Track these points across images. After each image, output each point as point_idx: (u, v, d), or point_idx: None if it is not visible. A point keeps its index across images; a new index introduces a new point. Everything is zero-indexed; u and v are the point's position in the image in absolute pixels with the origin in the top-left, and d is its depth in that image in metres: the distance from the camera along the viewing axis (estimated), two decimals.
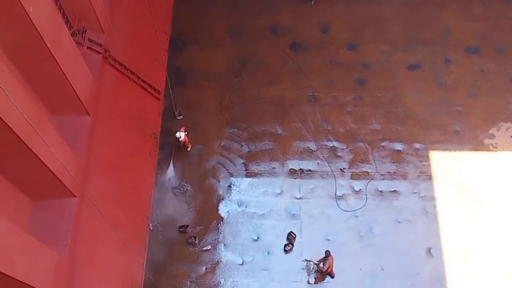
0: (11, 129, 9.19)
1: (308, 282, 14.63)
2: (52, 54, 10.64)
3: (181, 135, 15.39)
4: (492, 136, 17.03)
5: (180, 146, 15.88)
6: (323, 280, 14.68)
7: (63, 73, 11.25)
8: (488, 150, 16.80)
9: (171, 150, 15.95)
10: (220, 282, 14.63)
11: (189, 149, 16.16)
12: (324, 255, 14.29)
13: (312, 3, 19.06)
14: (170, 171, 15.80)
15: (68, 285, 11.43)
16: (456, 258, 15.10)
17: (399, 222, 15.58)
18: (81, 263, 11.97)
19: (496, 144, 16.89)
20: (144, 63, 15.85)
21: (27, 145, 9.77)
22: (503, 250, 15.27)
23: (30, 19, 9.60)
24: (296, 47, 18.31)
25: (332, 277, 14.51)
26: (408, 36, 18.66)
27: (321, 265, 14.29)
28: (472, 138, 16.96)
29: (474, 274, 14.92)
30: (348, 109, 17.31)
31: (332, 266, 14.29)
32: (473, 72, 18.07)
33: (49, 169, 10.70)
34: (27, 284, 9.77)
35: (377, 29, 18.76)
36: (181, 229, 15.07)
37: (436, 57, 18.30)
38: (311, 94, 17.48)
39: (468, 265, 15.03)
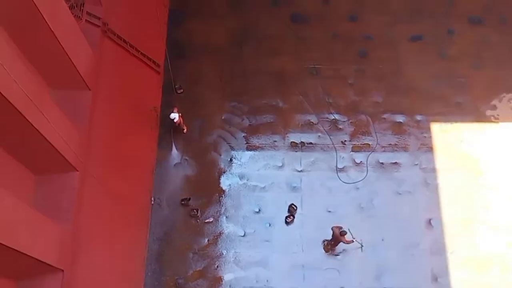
0: (11, 104, 9.19)
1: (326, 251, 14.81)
2: (50, 27, 10.54)
3: (175, 116, 15.25)
4: (494, 107, 16.97)
5: (175, 128, 15.82)
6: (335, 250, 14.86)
7: (62, 47, 11.16)
8: (490, 121, 16.77)
9: (171, 126, 15.94)
10: (223, 253, 14.83)
11: (185, 131, 16.05)
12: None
13: None
14: (174, 151, 15.79)
15: (73, 258, 11.60)
16: (456, 229, 15.25)
17: (400, 194, 15.68)
18: (85, 236, 12.12)
19: (498, 115, 16.84)
20: (143, 36, 15.72)
21: (27, 120, 9.78)
22: (503, 221, 15.39)
23: None
24: (297, 19, 18.11)
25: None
26: (410, 7, 18.42)
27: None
28: (474, 110, 16.91)
29: (475, 244, 15.08)
30: (349, 82, 17.22)
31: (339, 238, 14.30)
32: (476, 43, 17.89)
33: (50, 143, 10.73)
34: (32, 257, 9.92)
35: (378, 0, 18.50)
36: (183, 202, 15.20)
37: (439, 28, 18.09)
38: (312, 66, 17.37)
39: (469, 235, 15.18)
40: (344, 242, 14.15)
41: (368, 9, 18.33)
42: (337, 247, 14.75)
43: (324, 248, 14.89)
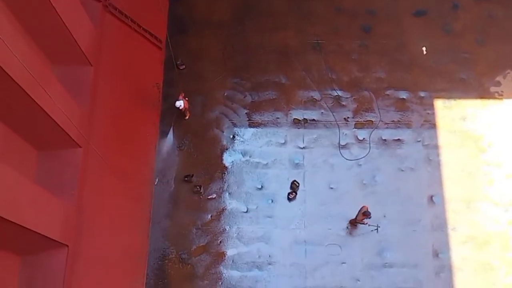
0: (13, 79, 9.14)
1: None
2: (51, 2, 10.43)
3: (181, 103, 15.08)
4: (498, 83, 16.85)
5: (180, 114, 15.72)
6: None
7: (63, 22, 11.05)
8: (494, 98, 16.67)
9: (174, 100, 15.87)
10: (225, 229, 14.95)
11: (187, 117, 15.93)
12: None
13: None
14: (169, 139, 15.74)
15: (77, 233, 11.69)
16: (458, 206, 15.31)
17: (402, 170, 15.70)
18: (89, 212, 12.19)
19: (502, 91, 16.74)
20: (145, 12, 15.54)
21: (29, 96, 9.74)
22: (505, 198, 15.43)
23: None
24: None
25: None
26: None
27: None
28: (477, 86, 16.80)
29: (476, 221, 15.17)
30: (353, 57, 17.08)
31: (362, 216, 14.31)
32: (481, 18, 17.66)
33: (53, 119, 10.71)
34: (37, 232, 10.00)
35: None
36: (186, 178, 15.25)
37: (443, 2, 17.85)
38: (316, 41, 17.20)
39: (470, 212, 15.25)
40: (358, 220, 14.24)
41: None
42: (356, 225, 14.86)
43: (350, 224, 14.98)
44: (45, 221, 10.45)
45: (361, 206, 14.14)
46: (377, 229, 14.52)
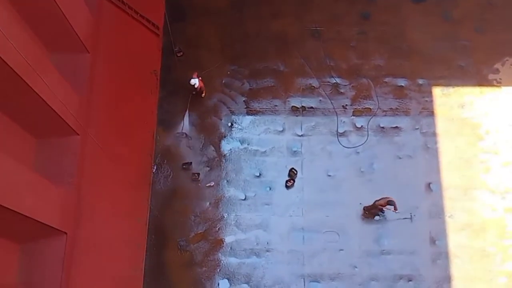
0: (11, 67, 9.13)
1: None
2: None
3: (196, 81, 15.10)
4: (497, 71, 16.82)
5: (197, 93, 15.71)
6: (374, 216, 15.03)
7: (60, 9, 11.00)
8: (492, 85, 16.64)
9: (172, 87, 15.85)
10: (224, 216, 15.01)
11: (203, 95, 15.93)
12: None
13: None
14: (186, 122, 15.73)
15: (76, 221, 11.76)
16: (455, 193, 15.36)
17: (400, 158, 15.73)
18: (87, 200, 12.25)
19: (500, 79, 16.71)
20: None
21: (27, 84, 9.74)
22: (502, 186, 15.50)
23: None
24: None
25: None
26: None
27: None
28: (476, 73, 16.76)
29: (473, 208, 15.24)
30: (351, 44, 17.01)
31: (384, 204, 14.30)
32: (481, 5, 17.57)
33: (50, 107, 10.72)
34: (36, 220, 10.06)
35: None
36: (184, 166, 15.27)
37: None
38: (314, 28, 17.12)
39: (467, 200, 15.31)
40: (381, 207, 14.28)
41: None
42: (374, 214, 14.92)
43: (362, 214, 15.01)
44: (44, 209, 10.50)
45: (382, 197, 14.19)
46: (411, 217, 14.70)
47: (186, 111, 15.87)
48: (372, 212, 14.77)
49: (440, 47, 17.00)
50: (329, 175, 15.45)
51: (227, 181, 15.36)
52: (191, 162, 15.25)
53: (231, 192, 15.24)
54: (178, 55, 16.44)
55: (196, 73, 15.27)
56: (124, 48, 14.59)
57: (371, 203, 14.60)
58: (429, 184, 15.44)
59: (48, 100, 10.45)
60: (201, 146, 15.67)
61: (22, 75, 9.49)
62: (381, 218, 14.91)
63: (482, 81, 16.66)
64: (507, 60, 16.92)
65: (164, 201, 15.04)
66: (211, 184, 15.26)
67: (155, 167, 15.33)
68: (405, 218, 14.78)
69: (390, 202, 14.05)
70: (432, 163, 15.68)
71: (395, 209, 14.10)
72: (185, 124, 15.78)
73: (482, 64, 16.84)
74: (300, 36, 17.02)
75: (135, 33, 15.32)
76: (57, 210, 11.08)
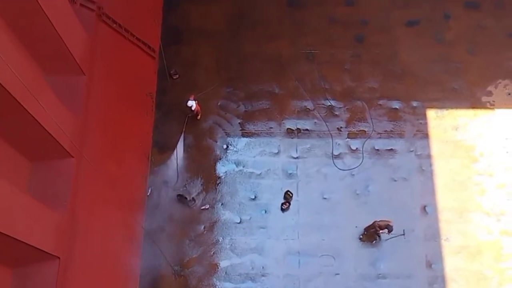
0: (6, 89, 9.06)
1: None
2: (44, 12, 10.37)
3: (193, 103, 15.12)
4: (490, 93, 16.98)
5: (193, 116, 15.73)
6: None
7: (57, 31, 10.99)
8: (485, 107, 16.78)
9: (167, 109, 15.81)
10: (219, 240, 14.85)
11: (199, 117, 15.94)
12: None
13: None
14: (181, 144, 15.66)
15: (69, 244, 11.56)
16: (451, 216, 15.35)
17: (395, 180, 15.72)
18: (81, 223, 12.07)
19: (494, 101, 16.86)
20: (138, 21, 15.51)
21: (22, 106, 9.66)
22: (497, 208, 15.50)
23: None
24: (294, 3, 17.92)
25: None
26: None
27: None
28: (469, 96, 16.91)
29: (469, 231, 15.21)
30: (346, 67, 17.13)
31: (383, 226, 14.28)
32: (472, 27, 17.82)
33: (45, 129, 10.62)
34: (29, 244, 9.87)
35: None
36: (179, 197, 15.06)
37: (435, 12, 17.98)
38: (309, 51, 17.25)
39: (463, 222, 15.29)
40: (379, 228, 14.24)
41: None
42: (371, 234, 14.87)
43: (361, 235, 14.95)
44: (37, 233, 10.32)
45: (381, 223, 14.18)
46: (403, 234, 14.58)
47: (181, 133, 15.81)
48: (371, 231, 14.66)
49: (433, 69, 17.17)
50: (325, 198, 15.39)
51: (222, 204, 15.24)
52: (186, 197, 15.05)
53: (226, 215, 15.12)
54: (174, 77, 16.47)
55: (193, 96, 15.28)
56: (120, 70, 14.59)
57: (366, 225, 14.56)
58: (424, 206, 15.42)
59: (43, 122, 10.36)
60: (196, 168, 15.57)
61: (18, 97, 9.42)
62: (377, 241, 14.82)
63: (476, 103, 16.80)
64: (499, 82, 17.10)
65: (159, 224, 14.86)
66: (206, 207, 15.13)
67: (149, 190, 15.20)
68: (399, 235, 14.60)
69: (388, 227, 13.98)
70: (427, 186, 15.69)
71: (389, 232, 14.05)
72: (180, 146, 15.70)
73: (475, 86, 17.00)
74: (295, 59, 17.14)
75: (131, 56, 15.34)
76: (50, 234, 10.90)
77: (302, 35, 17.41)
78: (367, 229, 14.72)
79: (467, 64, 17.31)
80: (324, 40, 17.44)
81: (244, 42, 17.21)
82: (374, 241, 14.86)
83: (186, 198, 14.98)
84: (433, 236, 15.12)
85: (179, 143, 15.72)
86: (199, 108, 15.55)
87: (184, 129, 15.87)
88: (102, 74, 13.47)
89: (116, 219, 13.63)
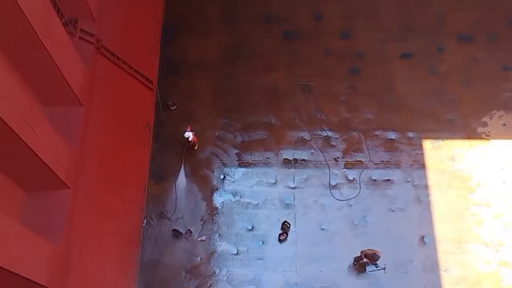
0: (3, 120, 9.10)
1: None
2: (43, 44, 10.49)
3: (190, 135, 15.22)
4: (485, 124, 17.11)
5: (189, 146, 15.81)
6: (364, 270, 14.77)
7: (55, 63, 11.11)
8: (481, 138, 16.89)
9: (165, 140, 15.86)
10: (215, 272, 14.68)
11: (196, 148, 16.02)
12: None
13: None
14: (182, 175, 15.67)
15: (64, 276, 11.40)
16: (449, 246, 15.26)
17: (393, 211, 15.68)
18: (77, 254, 11.93)
19: (489, 132, 16.98)
20: (136, 53, 15.72)
21: (19, 136, 9.67)
22: (495, 238, 15.42)
23: (20, 8, 9.46)
24: (290, 36, 18.23)
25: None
26: (401, 25, 18.61)
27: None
28: (465, 127, 17.04)
29: (467, 262, 15.08)
30: (341, 99, 17.30)
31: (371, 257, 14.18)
32: (466, 60, 18.09)
33: (42, 160, 10.61)
34: (22, 276, 9.74)
35: (370, 17, 18.70)
36: (174, 233, 14.94)
37: (429, 45, 18.29)
38: (305, 83, 17.45)
39: (462, 253, 15.18)
40: (366, 260, 14.13)
41: (360, 26, 18.50)
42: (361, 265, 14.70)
43: (356, 267, 14.80)
44: (31, 264, 10.19)
45: (368, 252, 14.07)
46: (384, 268, 14.31)
47: (182, 164, 15.82)
48: (360, 262, 14.50)
49: (428, 101, 17.34)
50: (322, 228, 15.31)
51: (219, 234, 15.14)
52: (181, 232, 14.96)
53: (223, 246, 14.99)
54: (172, 108, 16.60)
55: (190, 127, 15.37)
56: (118, 101, 14.71)
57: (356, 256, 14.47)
58: (422, 237, 15.33)
59: (39, 153, 10.36)
60: (193, 199, 15.52)
61: (14, 127, 9.43)
62: (375, 271, 14.65)
63: (471, 134, 16.91)
64: (494, 113, 17.25)
65: (155, 256, 14.72)
66: (203, 239, 15.02)
67: (145, 221, 15.10)
68: (380, 269, 14.34)
69: (375, 256, 13.86)
70: (425, 216, 15.64)
71: (374, 262, 13.93)
72: (181, 178, 15.68)
73: (470, 118, 17.15)
74: (291, 90, 17.32)
75: (129, 87, 15.49)
76: (44, 266, 10.76)
77: (298, 67, 17.66)
78: (357, 259, 14.57)
79: (461, 96, 17.50)
80: (320, 72, 17.66)
81: (241, 73, 17.44)
82: (362, 272, 14.66)
83: (181, 233, 14.86)
84: (432, 267, 14.98)
85: (179, 174, 15.70)
86: (196, 138, 15.62)
87: (183, 160, 15.87)
88: (100, 105, 13.56)
89: (111, 251, 13.50)
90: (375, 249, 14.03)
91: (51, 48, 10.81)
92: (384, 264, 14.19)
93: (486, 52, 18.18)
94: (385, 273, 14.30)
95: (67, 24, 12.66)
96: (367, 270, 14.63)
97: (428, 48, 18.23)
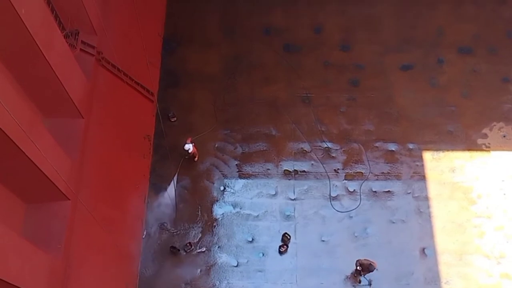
0: (3, 131, 9.11)
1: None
2: (44, 56, 10.55)
3: (190, 147, 15.23)
4: (485, 135, 17.12)
5: (188, 157, 15.79)
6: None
7: (56, 75, 11.15)
8: (481, 150, 16.88)
9: (165, 152, 15.86)
10: (215, 284, 14.60)
11: (196, 159, 16.02)
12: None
13: None
14: (173, 185, 15.64)
15: None
16: (450, 258, 15.19)
17: (393, 222, 15.63)
18: (76, 265, 11.89)
19: (489, 143, 16.98)
20: (137, 65, 15.78)
21: (19, 148, 9.68)
22: (497, 250, 15.35)
23: (22, 21, 9.52)
24: (290, 48, 18.31)
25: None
26: (401, 37, 18.71)
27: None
28: (465, 138, 17.04)
29: (470, 274, 15.00)
30: (341, 110, 17.33)
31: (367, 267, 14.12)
32: (466, 72, 18.15)
33: (42, 172, 10.61)
34: None
35: (369, 30, 18.79)
36: (172, 250, 14.81)
37: (429, 57, 18.37)
38: (305, 95, 17.49)
39: (463, 265, 15.10)
40: (360, 268, 14.08)
41: (360, 38, 18.58)
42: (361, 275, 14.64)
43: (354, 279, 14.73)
44: (31, 277, 10.14)
45: (364, 261, 14.03)
46: (370, 284, 14.25)
47: (176, 174, 15.78)
48: (354, 271, 14.47)
49: (428, 112, 17.37)
50: (323, 240, 15.25)
51: (219, 246, 15.08)
52: (179, 249, 14.88)
53: (223, 258, 14.93)
54: (172, 120, 16.63)
55: (190, 139, 15.39)
56: (118, 113, 14.74)
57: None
58: (423, 249, 15.26)
59: (40, 164, 10.37)
60: (193, 211, 15.48)
61: (14, 139, 9.45)
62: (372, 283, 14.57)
63: (471, 146, 16.91)
64: (494, 125, 17.27)
65: (154, 268, 14.64)
66: (203, 250, 14.96)
67: (145, 232, 15.06)
68: (366, 285, 14.42)
69: (370, 267, 13.83)
70: (426, 228, 15.59)
71: (365, 271, 13.94)
72: (173, 188, 15.62)
73: (470, 129, 17.16)
74: (291, 102, 17.36)
75: (129, 99, 15.54)
76: (43, 277, 10.71)
77: (298, 78, 17.71)
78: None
79: (462, 108, 17.53)
80: (320, 84, 17.72)
81: (241, 85, 17.50)
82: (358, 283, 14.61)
83: (178, 250, 14.80)
84: (433, 279, 14.90)
85: (171, 184, 15.65)
86: (195, 150, 15.63)
87: (178, 171, 15.86)
88: (100, 116, 13.59)
89: (110, 263, 13.45)
90: (371, 260, 13.95)
91: (52, 60, 10.86)
92: (371, 280, 14.22)
93: (486, 64, 18.25)
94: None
95: (68, 36, 12.74)
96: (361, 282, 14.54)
97: (428, 60, 18.31)
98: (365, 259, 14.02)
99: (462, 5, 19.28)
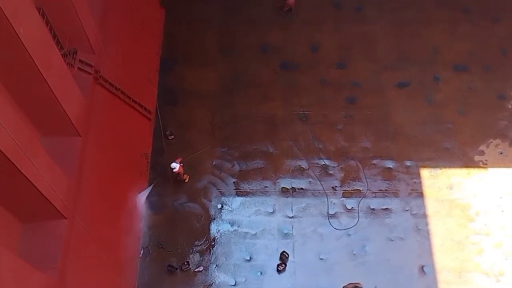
0: (0, 149, 9.09)
1: None
2: (42, 75, 10.57)
3: (176, 166, 15.16)
4: (482, 152, 17.16)
5: (175, 177, 15.65)
6: None
7: (54, 94, 11.16)
8: (478, 166, 16.91)
9: (162, 170, 15.83)
10: None
11: (186, 180, 15.96)
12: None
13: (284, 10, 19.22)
14: (145, 196, 15.49)
15: None
16: (449, 276, 15.10)
17: (392, 240, 15.56)
18: (72, 285, 11.76)
19: (486, 160, 17.01)
20: (135, 83, 15.85)
21: (16, 166, 9.64)
22: (496, 267, 15.27)
23: (20, 40, 9.56)
24: (287, 66, 18.43)
25: None
26: (397, 55, 18.87)
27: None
28: (462, 155, 17.08)
29: None
30: (338, 128, 17.38)
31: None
32: (462, 89, 18.28)
33: (39, 190, 10.55)
34: None
35: (366, 48, 18.95)
36: (169, 268, 14.70)
37: (425, 75, 18.50)
38: (302, 112, 17.55)
39: (462, 283, 15.00)
40: None
41: (356, 56, 18.74)
42: None
43: None
44: None
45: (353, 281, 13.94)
46: None
47: (151, 185, 15.57)
48: None
49: (425, 130, 17.44)
50: (321, 258, 15.16)
51: (216, 265, 14.96)
52: (176, 268, 14.76)
53: (220, 277, 14.80)
54: (170, 138, 16.64)
55: (180, 158, 15.33)
56: (116, 131, 14.74)
57: (364, 286, 14.24)
58: (422, 266, 15.18)
59: (36, 183, 10.32)
60: (190, 229, 15.39)
61: (12, 158, 9.41)
62: None
63: (469, 163, 16.94)
64: (491, 142, 17.32)
65: (152, 287, 14.49)
66: (200, 269, 14.83)
67: (141, 252, 14.94)
68: None
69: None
70: (424, 245, 15.53)
71: None
72: (143, 197, 15.45)
73: (467, 146, 17.21)
74: (288, 119, 17.42)
75: (127, 117, 15.54)
76: None
77: (295, 96, 17.80)
78: None
79: (458, 125, 17.62)
80: (317, 101, 17.80)
81: (239, 103, 17.55)
82: None
83: (176, 268, 14.67)
84: None
85: (144, 193, 15.47)
86: (181, 170, 15.47)
87: (154, 184, 15.68)
88: (98, 135, 13.58)
89: (107, 282, 13.30)
90: (355, 282, 13.91)
91: (50, 79, 10.88)
92: None
93: (482, 82, 18.39)
94: None
95: (67, 55, 12.78)
96: None
97: (424, 78, 18.45)
98: (349, 284, 13.95)
99: (457, 24, 19.49)
